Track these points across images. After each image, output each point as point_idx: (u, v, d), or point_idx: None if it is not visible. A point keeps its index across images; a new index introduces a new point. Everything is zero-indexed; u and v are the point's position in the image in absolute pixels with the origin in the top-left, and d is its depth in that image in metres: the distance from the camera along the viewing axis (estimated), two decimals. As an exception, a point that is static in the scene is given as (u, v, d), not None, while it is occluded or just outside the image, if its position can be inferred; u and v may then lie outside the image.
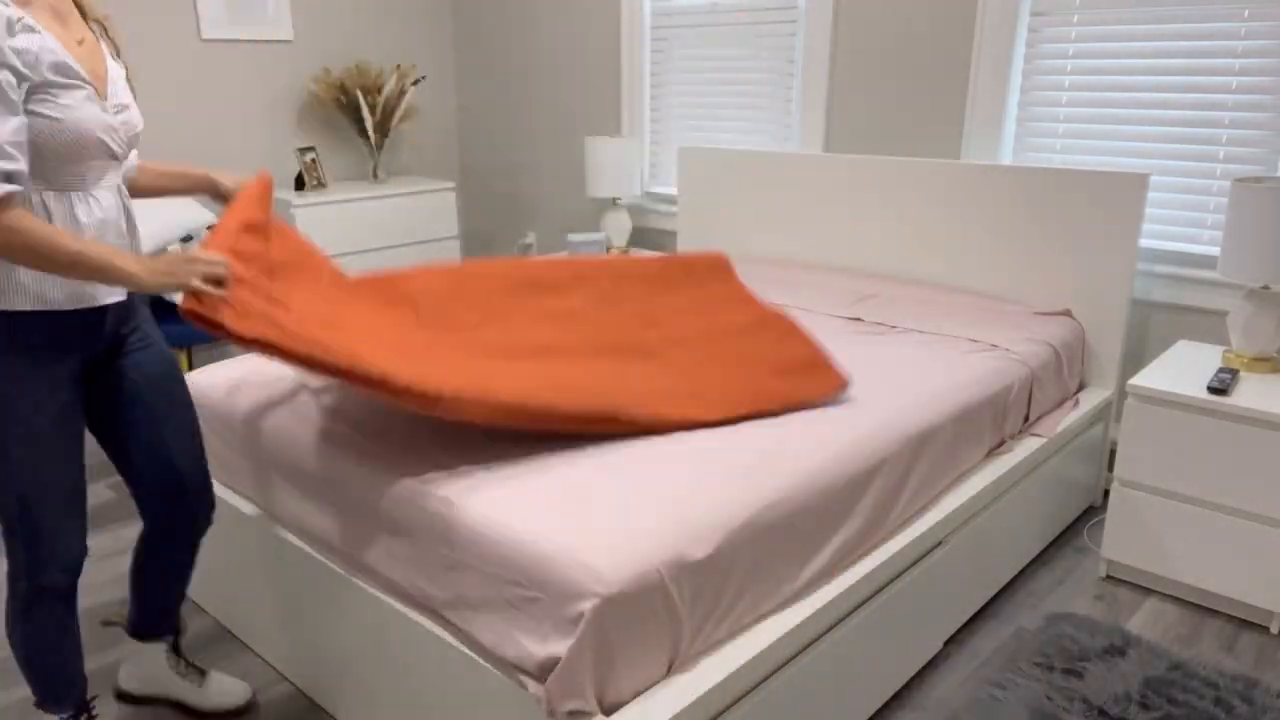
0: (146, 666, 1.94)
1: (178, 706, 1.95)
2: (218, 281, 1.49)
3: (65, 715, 1.72)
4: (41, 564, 1.56)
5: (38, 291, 1.45)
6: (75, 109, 1.42)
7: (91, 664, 2.10)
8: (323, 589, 1.82)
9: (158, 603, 1.87)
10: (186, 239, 3.40)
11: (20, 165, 1.34)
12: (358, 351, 1.62)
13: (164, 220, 3.17)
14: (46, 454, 1.50)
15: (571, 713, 1.36)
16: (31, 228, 1.36)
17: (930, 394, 2.11)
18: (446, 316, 2.05)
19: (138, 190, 1.76)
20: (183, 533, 1.79)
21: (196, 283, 1.46)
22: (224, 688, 1.94)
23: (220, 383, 2.14)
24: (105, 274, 1.41)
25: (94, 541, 2.61)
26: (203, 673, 1.94)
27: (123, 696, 1.97)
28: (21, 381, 1.46)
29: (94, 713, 1.77)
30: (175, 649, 1.94)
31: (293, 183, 4.08)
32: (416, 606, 1.63)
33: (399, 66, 4.27)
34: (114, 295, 1.54)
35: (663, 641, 1.44)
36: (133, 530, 2.66)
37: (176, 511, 1.76)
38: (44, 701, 1.70)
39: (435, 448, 1.76)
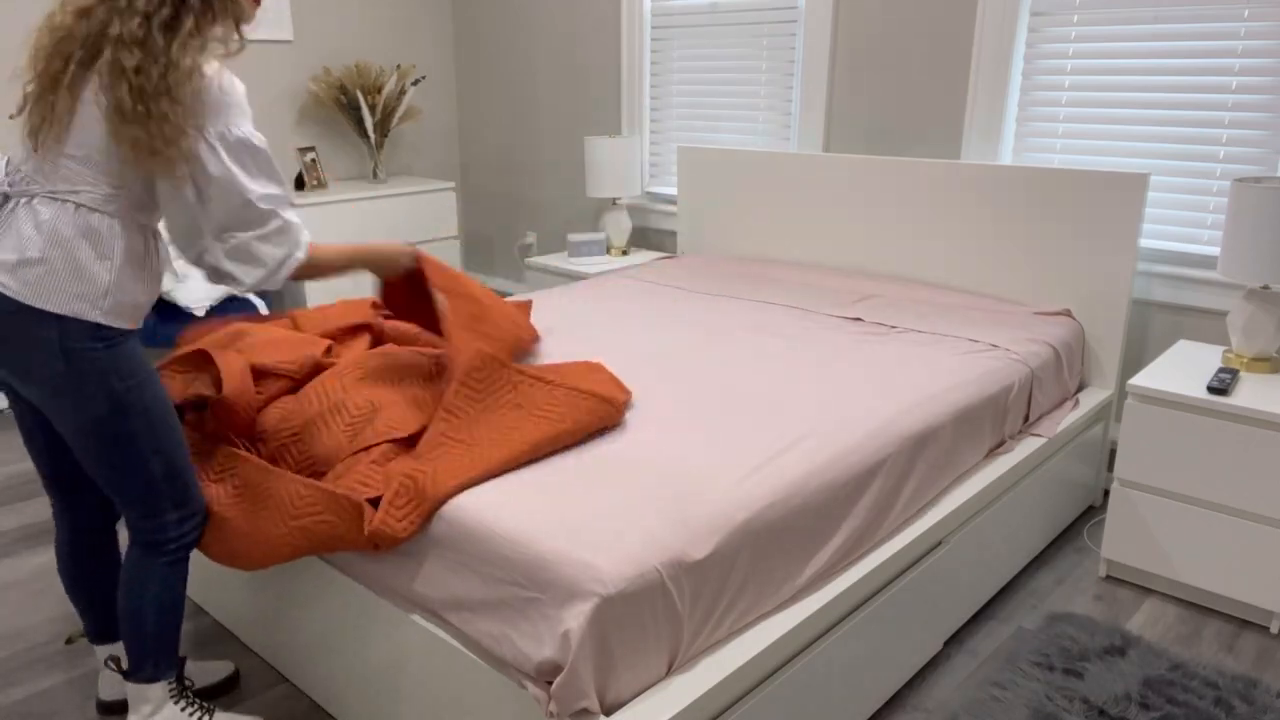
0: (152, 703, 1.78)
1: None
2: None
3: (172, 679, 1.77)
4: (189, 519, 1.69)
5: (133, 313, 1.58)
6: None
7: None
8: (323, 590, 1.82)
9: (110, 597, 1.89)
10: None
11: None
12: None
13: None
14: (173, 417, 1.64)
15: (574, 714, 1.36)
16: (325, 254, 1.71)
17: (930, 394, 2.11)
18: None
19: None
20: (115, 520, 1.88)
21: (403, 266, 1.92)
22: None
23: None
24: (387, 260, 1.88)
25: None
26: (211, 711, 1.84)
27: (108, 708, 1.93)
28: (144, 360, 1.60)
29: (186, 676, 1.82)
30: (179, 681, 1.82)
31: (293, 183, 4.08)
32: (416, 607, 1.63)
33: (399, 66, 4.28)
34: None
35: (663, 641, 1.44)
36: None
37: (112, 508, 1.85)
38: (158, 668, 1.73)
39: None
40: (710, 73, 3.65)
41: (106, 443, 1.56)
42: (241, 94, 1.56)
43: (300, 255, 1.63)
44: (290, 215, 1.61)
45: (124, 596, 1.70)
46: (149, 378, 1.59)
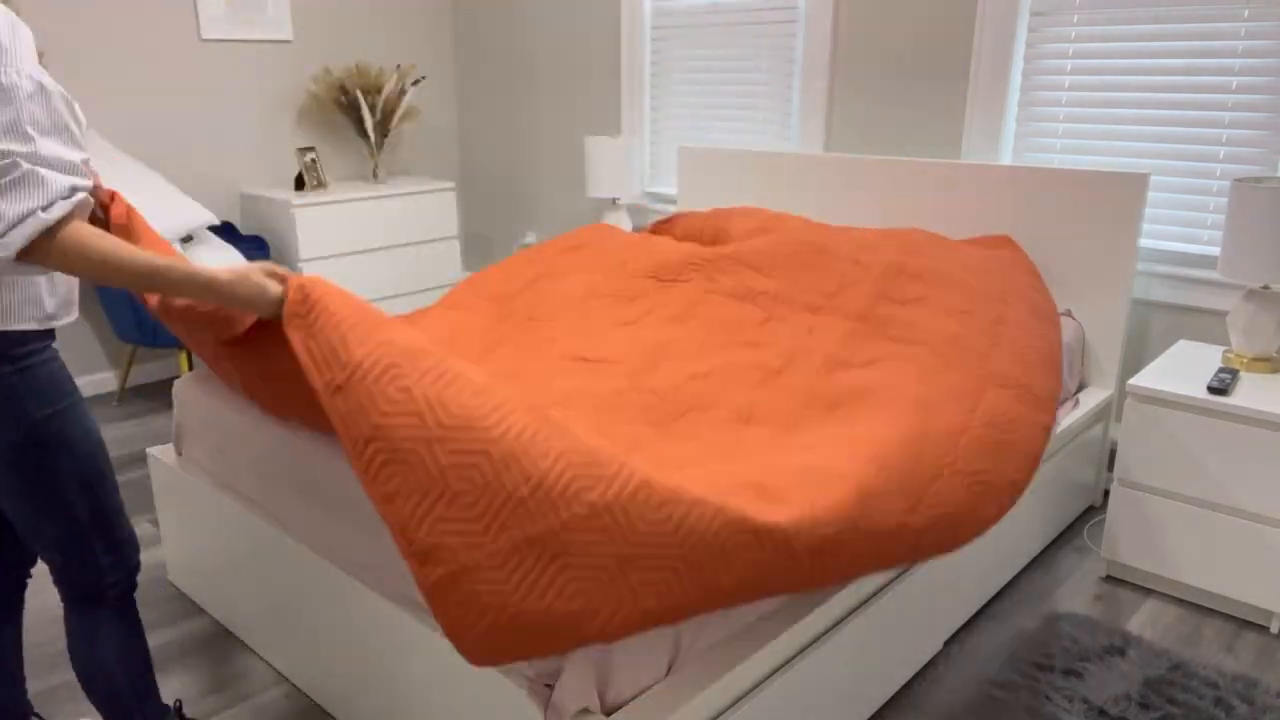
0: None
1: None
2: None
3: None
4: (131, 550, 1.53)
5: (52, 307, 1.39)
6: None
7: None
8: (323, 590, 1.82)
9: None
10: (186, 239, 3.40)
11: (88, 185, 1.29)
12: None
13: (160, 220, 3.17)
14: (102, 449, 1.49)
15: (574, 714, 1.36)
16: (98, 242, 1.27)
17: (930, 394, 2.10)
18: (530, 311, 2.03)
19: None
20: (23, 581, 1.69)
21: (276, 287, 1.40)
22: None
23: (222, 386, 2.14)
24: (189, 284, 1.32)
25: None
26: None
27: None
28: (68, 383, 1.43)
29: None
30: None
31: (293, 183, 4.08)
32: (416, 607, 1.63)
33: (399, 66, 4.28)
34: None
35: (663, 641, 1.44)
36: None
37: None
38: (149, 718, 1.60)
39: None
40: (710, 73, 3.65)
41: (23, 477, 1.39)
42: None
43: (46, 217, 1.20)
44: (44, 170, 1.22)
45: (81, 664, 1.54)
46: (73, 404, 1.42)
